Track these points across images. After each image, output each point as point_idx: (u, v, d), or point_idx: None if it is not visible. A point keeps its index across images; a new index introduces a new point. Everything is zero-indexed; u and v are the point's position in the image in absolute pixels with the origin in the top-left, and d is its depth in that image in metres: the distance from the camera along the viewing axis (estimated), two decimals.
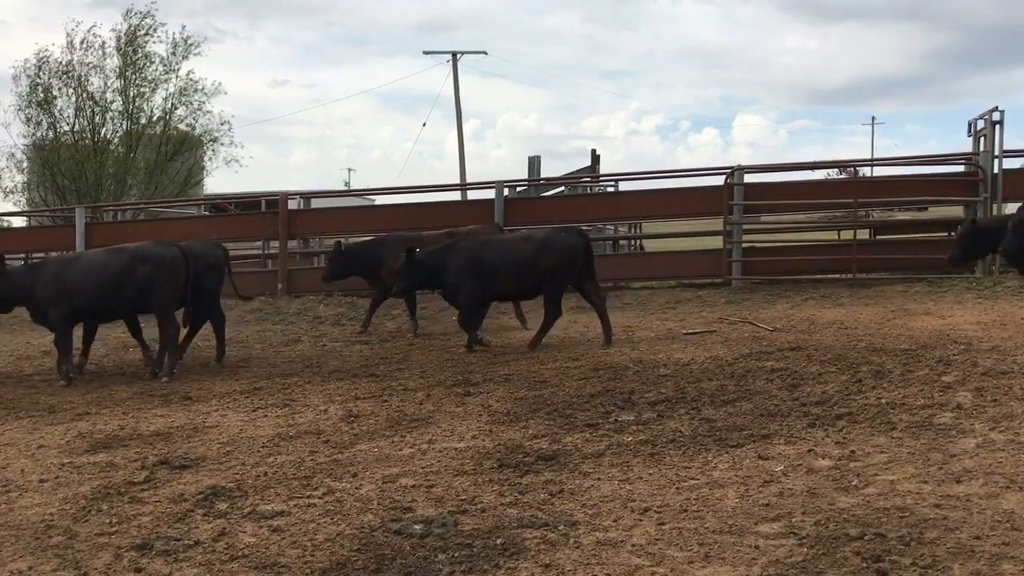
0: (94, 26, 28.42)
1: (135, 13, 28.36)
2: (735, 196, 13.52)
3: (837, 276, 13.44)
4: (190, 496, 4.84)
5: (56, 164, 28.20)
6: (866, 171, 20.23)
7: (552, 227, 10.25)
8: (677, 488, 4.60)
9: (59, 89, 28.28)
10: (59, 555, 4.08)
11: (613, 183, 17.69)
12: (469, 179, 35.34)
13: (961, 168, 13.95)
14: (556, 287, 9.44)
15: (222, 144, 29.91)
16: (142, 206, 22.97)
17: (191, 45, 29.03)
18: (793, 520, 4.06)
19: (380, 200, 22.48)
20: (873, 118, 72.73)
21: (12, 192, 29.34)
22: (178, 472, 5.34)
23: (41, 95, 28.16)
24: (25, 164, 29.40)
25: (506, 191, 14.98)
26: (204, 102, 29.33)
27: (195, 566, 3.90)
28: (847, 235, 14.73)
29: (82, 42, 28.05)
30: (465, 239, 10.26)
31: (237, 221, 18.00)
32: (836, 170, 26.64)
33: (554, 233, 9.68)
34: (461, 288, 9.43)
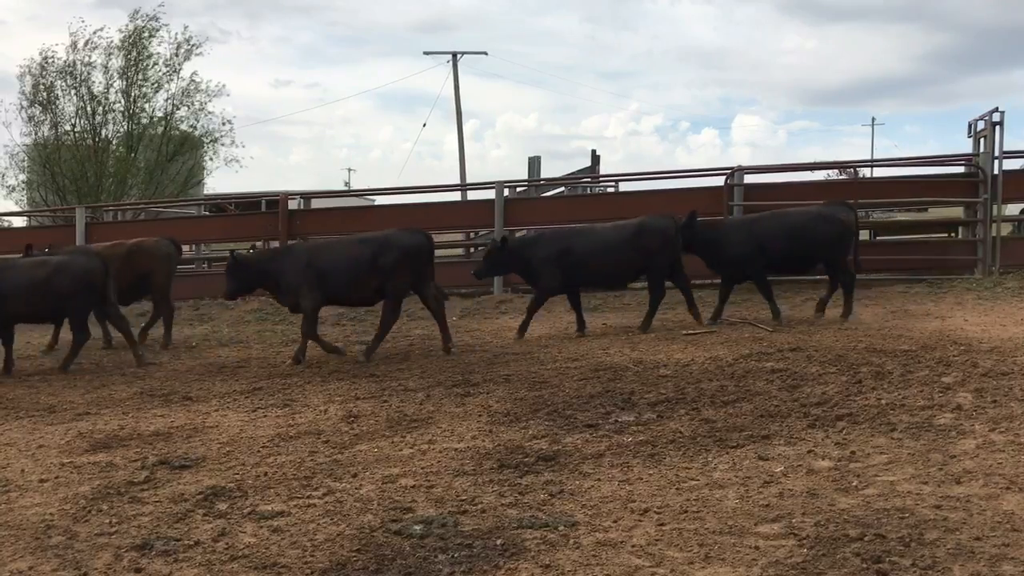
0: (101, 29, 28.40)
1: (141, 15, 28.40)
2: (735, 197, 13.52)
3: None
4: (190, 496, 4.84)
5: (57, 164, 28.21)
6: (866, 172, 20.22)
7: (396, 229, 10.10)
8: (677, 489, 4.61)
9: (62, 89, 28.31)
10: (59, 555, 4.08)
11: (613, 183, 17.69)
12: (469, 179, 35.36)
13: (961, 169, 13.95)
14: (397, 289, 9.33)
15: (223, 144, 29.93)
16: (142, 206, 22.97)
17: (193, 46, 29.06)
18: (793, 521, 4.06)
19: (380, 200, 22.48)
20: (873, 119, 72.60)
21: (13, 191, 29.36)
22: (178, 472, 5.34)
23: (44, 95, 28.18)
24: (26, 163, 29.41)
25: (506, 191, 14.98)
26: (206, 103, 29.36)
27: (195, 566, 3.90)
28: None
29: (87, 43, 28.08)
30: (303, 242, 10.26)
31: (237, 221, 17.99)
32: (836, 171, 26.65)
33: (395, 232, 9.61)
34: (299, 292, 9.32)
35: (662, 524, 4.12)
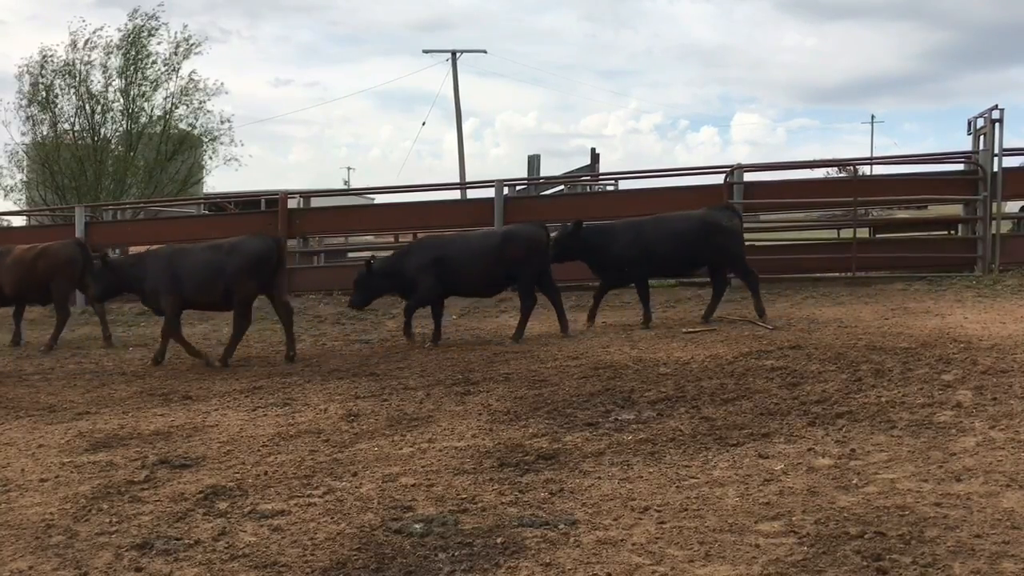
0: (100, 28, 28.41)
1: (141, 14, 28.41)
2: (735, 195, 13.52)
3: (837, 275, 13.45)
4: (190, 495, 4.84)
5: (56, 163, 28.21)
6: (865, 170, 20.23)
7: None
8: (677, 487, 4.61)
9: (61, 88, 28.31)
10: (59, 554, 4.08)
11: (613, 182, 17.69)
12: (468, 178, 35.36)
13: (961, 166, 13.96)
14: (242, 294, 9.39)
15: (222, 143, 29.95)
16: (141, 205, 22.97)
17: (192, 45, 29.07)
18: (793, 519, 4.06)
19: (379, 199, 22.48)
20: (872, 116, 72.75)
21: (12, 190, 29.36)
22: (178, 471, 5.34)
23: (43, 94, 28.17)
24: (25, 163, 29.40)
25: (506, 190, 14.98)
26: (205, 101, 29.36)
27: (195, 565, 3.90)
28: (847, 233, 14.73)
29: (86, 42, 28.08)
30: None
31: (237, 220, 17.98)
32: (835, 168, 26.64)
33: (246, 238, 9.72)
34: (159, 295, 9.48)
35: (662, 522, 4.12)
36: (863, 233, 14.74)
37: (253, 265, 9.34)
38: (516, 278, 10.09)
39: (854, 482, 4.51)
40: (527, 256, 9.95)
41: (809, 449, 5.12)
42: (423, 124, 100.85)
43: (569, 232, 10.44)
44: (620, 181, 17.23)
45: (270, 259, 9.45)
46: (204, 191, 31.18)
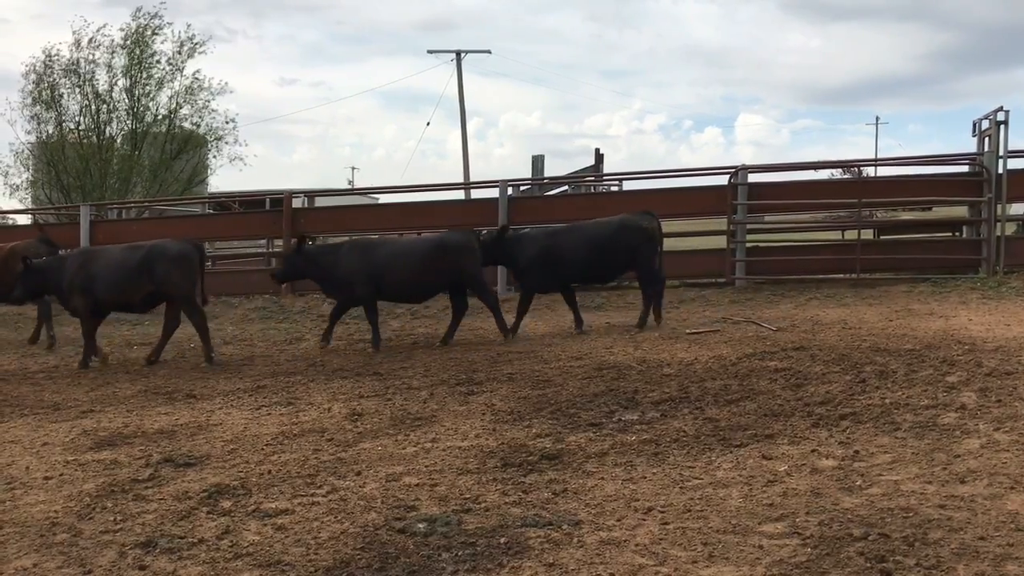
0: (104, 26, 28.49)
1: (144, 13, 28.46)
2: (739, 195, 13.52)
3: (841, 276, 13.44)
4: (194, 494, 4.84)
5: (61, 162, 28.27)
6: (870, 171, 20.20)
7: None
8: (681, 488, 4.60)
9: (66, 87, 28.36)
10: (63, 552, 4.09)
11: (617, 182, 17.68)
12: (472, 178, 35.36)
13: (965, 168, 13.93)
14: (174, 295, 9.53)
15: (226, 143, 30.00)
16: (146, 204, 23.01)
17: (196, 44, 29.12)
18: (797, 520, 4.06)
19: (384, 199, 22.49)
20: (877, 118, 72.64)
21: (18, 189, 29.42)
22: (182, 470, 5.34)
23: (48, 93, 28.23)
24: (30, 161, 29.47)
25: (510, 190, 14.97)
26: (209, 101, 29.42)
27: (199, 564, 3.90)
28: (851, 235, 14.72)
29: (90, 41, 28.13)
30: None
31: (241, 219, 18.02)
32: (840, 170, 26.62)
33: (166, 241, 9.92)
34: (72, 296, 9.57)
35: (666, 523, 4.12)
36: (867, 235, 14.73)
37: (176, 267, 9.47)
38: (447, 285, 10.21)
39: (858, 484, 4.51)
40: (459, 263, 10.03)
41: (813, 450, 5.11)
42: (427, 124, 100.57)
43: (493, 238, 10.57)
44: (624, 181, 17.23)
45: (191, 262, 9.56)
46: (208, 190, 31.22)
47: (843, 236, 15.60)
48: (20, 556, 4.05)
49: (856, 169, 21.60)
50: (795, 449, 5.16)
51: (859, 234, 14.02)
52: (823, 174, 23.54)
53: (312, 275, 10.39)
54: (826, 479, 4.61)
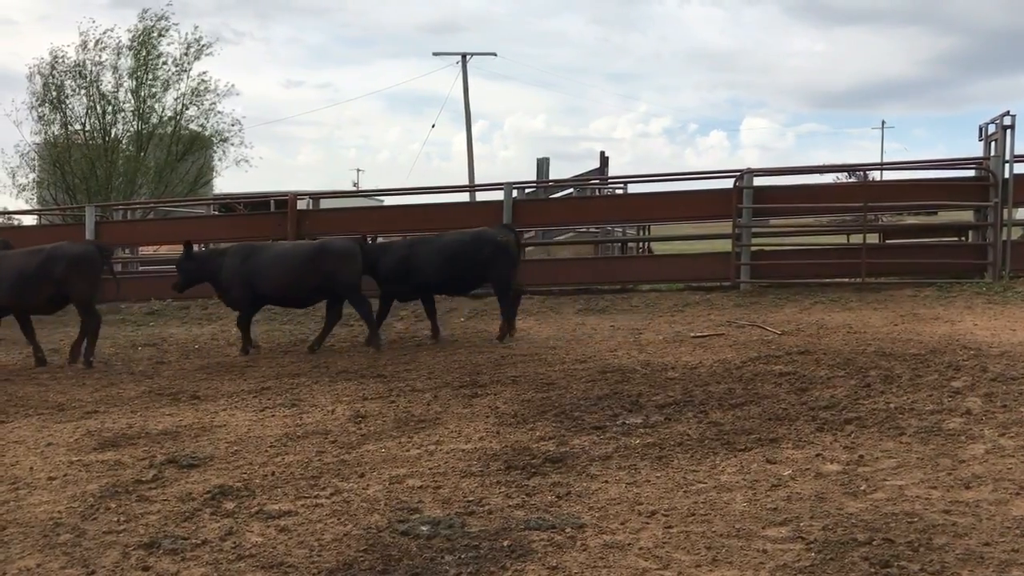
0: (111, 29, 28.54)
1: (150, 15, 28.51)
2: (744, 199, 13.50)
3: (846, 280, 13.41)
4: (198, 495, 4.84)
5: (67, 163, 28.32)
6: (876, 175, 20.17)
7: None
8: (684, 491, 4.59)
9: (72, 88, 28.41)
10: (67, 553, 4.09)
11: (622, 185, 17.68)
12: (477, 180, 35.38)
13: (971, 172, 13.90)
14: (77, 297, 9.67)
15: (232, 144, 30.02)
16: (152, 205, 23.05)
17: (203, 46, 29.14)
18: (801, 525, 4.05)
19: (389, 201, 22.50)
20: (883, 122, 72.52)
21: (24, 189, 29.47)
22: (186, 471, 5.35)
23: (54, 94, 28.28)
24: (36, 162, 29.52)
25: (515, 192, 14.97)
26: (216, 102, 29.43)
27: (202, 565, 3.90)
28: (856, 239, 14.70)
29: (96, 42, 28.18)
30: None
31: (247, 221, 18.03)
32: (845, 173, 26.58)
33: (65, 244, 9.98)
34: None
35: (669, 527, 4.11)
36: (873, 239, 14.70)
37: (77, 269, 9.55)
38: (326, 290, 10.33)
39: (862, 488, 4.49)
40: (337, 268, 10.15)
41: (817, 455, 5.10)
42: (432, 126, 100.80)
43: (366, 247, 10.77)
44: (630, 184, 17.23)
45: (92, 263, 9.65)
46: (214, 192, 31.24)
47: (848, 240, 15.58)
48: (24, 556, 4.06)
49: (862, 173, 21.57)
50: (799, 453, 5.15)
51: (864, 238, 13.99)
52: (828, 178, 23.51)
53: (205, 279, 10.65)
54: (830, 483, 4.60)
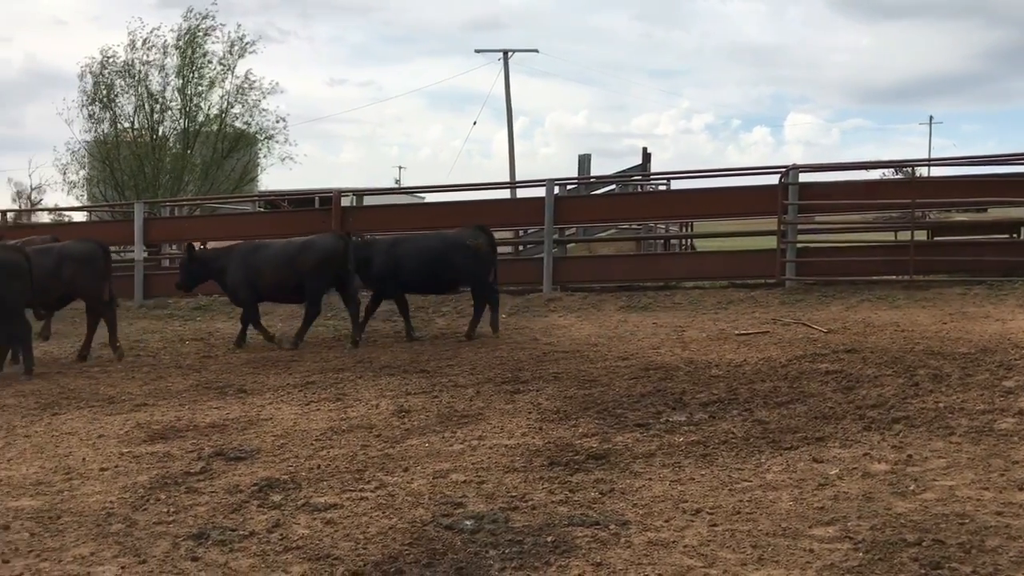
0: (157, 28, 28.99)
1: (195, 14, 28.93)
2: (791, 195, 13.34)
3: (893, 278, 13.20)
4: (245, 487, 4.91)
5: (116, 160, 28.84)
6: (924, 171, 19.83)
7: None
8: (730, 490, 4.56)
9: (121, 87, 28.93)
10: (119, 542, 4.17)
11: (665, 181, 17.57)
12: (517, 177, 35.36)
13: (1023, 169, 13.60)
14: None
15: (277, 142, 30.34)
16: (198, 202, 23.38)
17: (247, 44, 29.50)
18: (849, 524, 4.00)
19: (430, 198, 22.58)
20: (931, 117, 71.29)
21: (74, 187, 30.08)
22: (233, 463, 5.42)
23: (104, 92, 28.81)
24: (86, 160, 30.10)
25: (557, 189, 14.94)
26: (260, 100, 29.77)
27: (250, 556, 3.96)
28: (904, 236, 14.46)
29: (144, 42, 28.66)
30: None
31: (292, 217, 18.21)
32: (892, 170, 26.16)
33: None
34: None
35: (714, 525, 4.08)
36: (921, 235, 14.45)
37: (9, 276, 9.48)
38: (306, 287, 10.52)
39: (911, 488, 4.43)
40: (318, 266, 10.40)
41: (865, 454, 5.04)
42: (474, 123, 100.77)
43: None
44: (672, 181, 17.12)
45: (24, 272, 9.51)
46: (259, 189, 31.61)
47: (896, 237, 15.33)
48: (78, 544, 4.15)
49: (910, 169, 21.21)
50: (847, 452, 5.09)
51: (912, 235, 13.75)
52: (875, 174, 23.16)
53: (210, 277, 11.05)
54: (879, 483, 4.54)
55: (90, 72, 28.74)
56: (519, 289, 13.91)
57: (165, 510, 4.60)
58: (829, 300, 11.88)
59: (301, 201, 21.56)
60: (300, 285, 10.51)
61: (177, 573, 3.79)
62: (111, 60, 28.70)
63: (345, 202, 16.20)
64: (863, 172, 17.63)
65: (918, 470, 4.71)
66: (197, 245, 11.49)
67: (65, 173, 29.78)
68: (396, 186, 46.60)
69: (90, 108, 28.94)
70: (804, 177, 13.67)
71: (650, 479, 4.79)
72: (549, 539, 3.99)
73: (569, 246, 16.32)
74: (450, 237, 10.79)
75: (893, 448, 5.12)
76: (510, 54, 39.48)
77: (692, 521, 4.15)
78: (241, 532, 4.24)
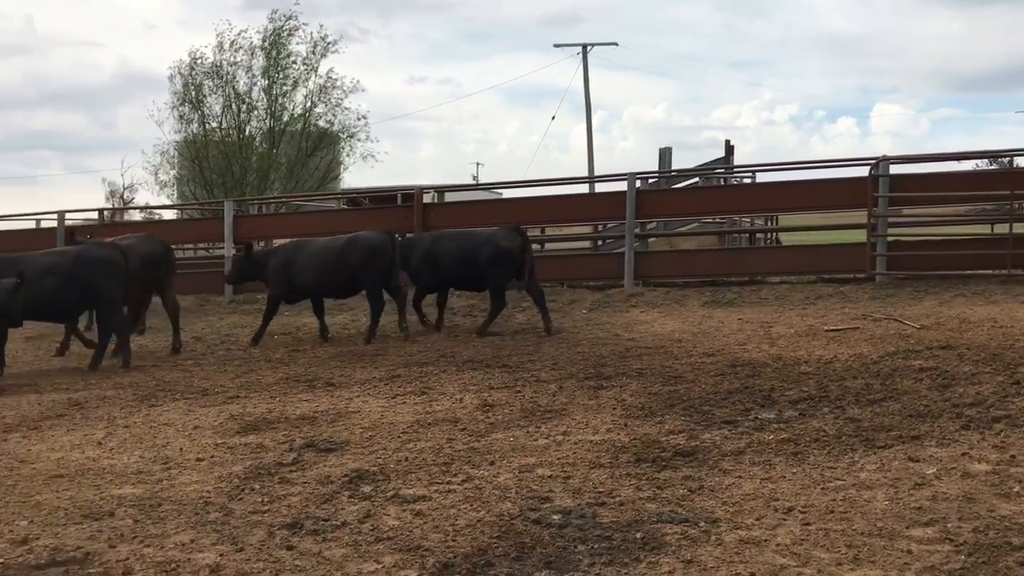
0: (244, 30, 29.76)
1: (279, 15, 29.60)
2: (881, 187, 12.97)
3: (990, 272, 12.72)
4: (336, 478, 5.01)
5: (205, 159, 29.69)
6: (1021, 161, 19.04)
7: None
8: (822, 488, 4.47)
9: (210, 88, 29.77)
10: (217, 530, 4.29)
11: (750, 174, 17.26)
12: (596, 172, 35.20)
13: None
14: (105, 299, 9.75)
15: (359, 140, 30.84)
16: (284, 200, 23.90)
17: (328, 44, 30.05)
18: (948, 525, 3.88)
19: (507, 193, 22.63)
20: None
21: (165, 186, 31.08)
22: (324, 455, 5.53)
23: (193, 93, 29.69)
24: (176, 159, 31.07)
25: (638, 183, 14.82)
26: (342, 99, 30.30)
27: (343, 546, 4.03)
28: (1001, 228, 13.91)
29: (232, 43, 29.44)
30: None
31: (374, 214, 18.47)
32: (986, 161, 25.22)
33: (91, 246, 10.21)
34: None
35: (807, 524, 4.00)
36: (1020, 228, 13.88)
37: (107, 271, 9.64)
38: (360, 283, 10.86)
39: (1015, 490, 4.27)
40: (367, 261, 10.65)
41: (964, 454, 4.88)
42: (552, 118, 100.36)
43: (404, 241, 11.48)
44: (757, 173, 16.82)
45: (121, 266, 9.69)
46: (341, 186, 32.17)
47: (992, 230, 14.77)
48: (179, 532, 4.29)
49: (1007, 159, 20.41)
50: (944, 452, 4.94)
51: (1011, 228, 13.22)
52: (969, 165, 22.35)
53: (258, 276, 11.42)
54: (979, 484, 4.39)
55: (179, 73, 29.69)
56: (599, 284, 13.84)
57: (260, 500, 4.72)
58: (921, 295, 11.52)
59: (382, 198, 21.85)
60: (352, 280, 10.87)
61: (273, 562, 3.88)
62: (199, 61, 29.60)
63: (426, 199, 16.34)
64: (956, 163, 17.00)
65: (1022, 471, 4.54)
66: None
67: (157, 173, 30.79)
68: (474, 182, 46.88)
69: (180, 109, 29.88)
70: (895, 169, 13.27)
71: (740, 477, 4.72)
72: (638, 535, 3.96)
73: (650, 240, 16.17)
74: (483, 236, 11.02)
75: (994, 448, 4.94)
76: (589, 48, 39.36)
77: (784, 520, 4.07)
78: (333, 522, 4.32)
